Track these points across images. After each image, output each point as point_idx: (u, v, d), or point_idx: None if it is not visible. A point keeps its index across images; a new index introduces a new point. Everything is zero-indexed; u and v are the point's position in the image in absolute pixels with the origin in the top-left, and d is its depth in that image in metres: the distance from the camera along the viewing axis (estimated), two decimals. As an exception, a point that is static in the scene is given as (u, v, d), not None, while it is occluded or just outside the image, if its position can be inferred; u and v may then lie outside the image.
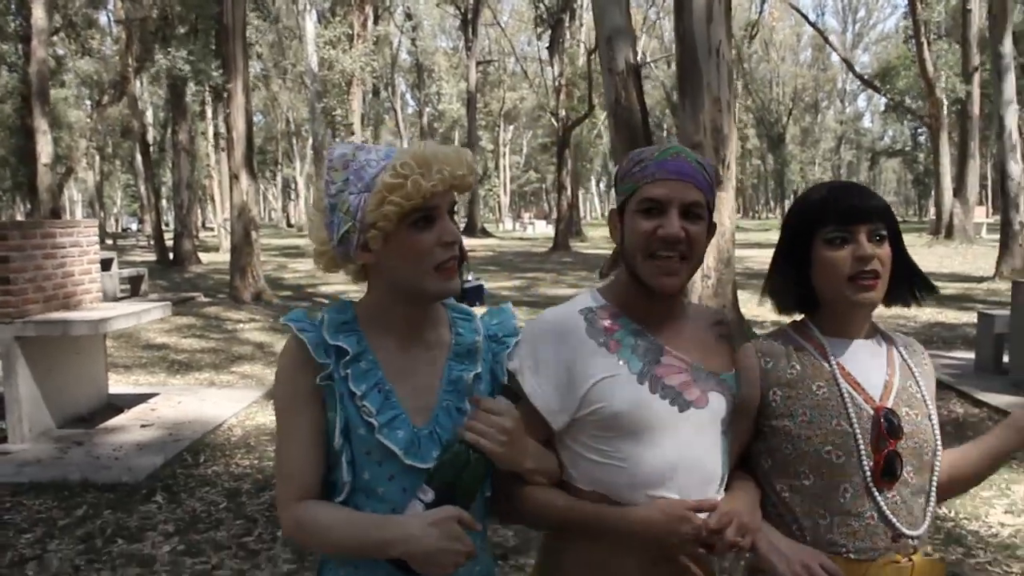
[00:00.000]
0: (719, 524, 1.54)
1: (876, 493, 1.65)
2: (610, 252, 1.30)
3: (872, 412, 1.67)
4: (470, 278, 12.28)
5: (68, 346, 6.72)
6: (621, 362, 1.62)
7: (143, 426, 6.53)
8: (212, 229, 47.81)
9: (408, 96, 72.48)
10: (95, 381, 7.19)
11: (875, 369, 1.74)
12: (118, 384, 8.13)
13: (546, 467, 1.61)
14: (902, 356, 1.78)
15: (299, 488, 1.47)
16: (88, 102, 45.37)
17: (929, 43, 32.01)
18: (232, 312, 14.04)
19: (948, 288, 15.52)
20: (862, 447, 1.65)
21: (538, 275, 21.61)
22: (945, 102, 34.00)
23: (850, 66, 36.40)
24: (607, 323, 1.66)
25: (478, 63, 47.76)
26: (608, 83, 9.83)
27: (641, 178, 1.62)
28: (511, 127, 75.24)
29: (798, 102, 77.17)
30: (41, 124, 19.71)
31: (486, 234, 46.53)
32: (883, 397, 1.70)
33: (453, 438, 1.50)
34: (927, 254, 25.77)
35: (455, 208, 1.53)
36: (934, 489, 1.72)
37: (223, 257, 30.53)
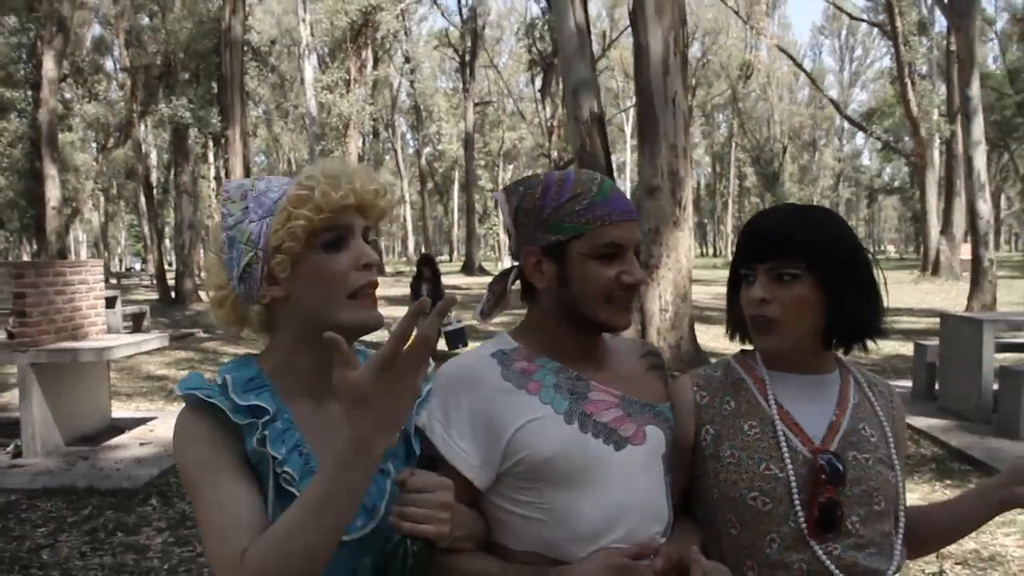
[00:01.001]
0: (664, 567, 1.40)
1: (814, 545, 1.48)
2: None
3: (810, 455, 1.51)
4: (452, 320, 11.87)
5: (75, 373, 7.46)
6: (545, 403, 1.47)
7: (142, 444, 7.27)
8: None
9: (408, 136, 73.82)
10: (99, 405, 7.94)
11: (820, 408, 1.58)
12: (120, 410, 8.86)
13: (475, 532, 1.45)
14: (866, 395, 1.63)
15: (241, 544, 1.18)
16: (94, 145, 46.36)
17: (914, 83, 33.01)
18: (229, 347, 14.79)
19: (920, 323, 16.19)
20: (795, 494, 1.49)
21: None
22: (937, 140, 34.99)
23: (837, 107, 37.42)
24: (523, 364, 1.52)
25: (476, 104, 48.91)
26: (574, 131, 10.66)
27: (592, 219, 1.47)
28: (511, 166, 76.35)
29: (796, 140, 78.31)
30: (50, 169, 20.61)
31: (484, 272, 47.30)
32: (826, 439, 1.54)
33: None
34: (912, 290, 26.48)
35: (370, 234, 1.38)
36: (898, 538, 1.56)
37: (225, 295, 31.35)
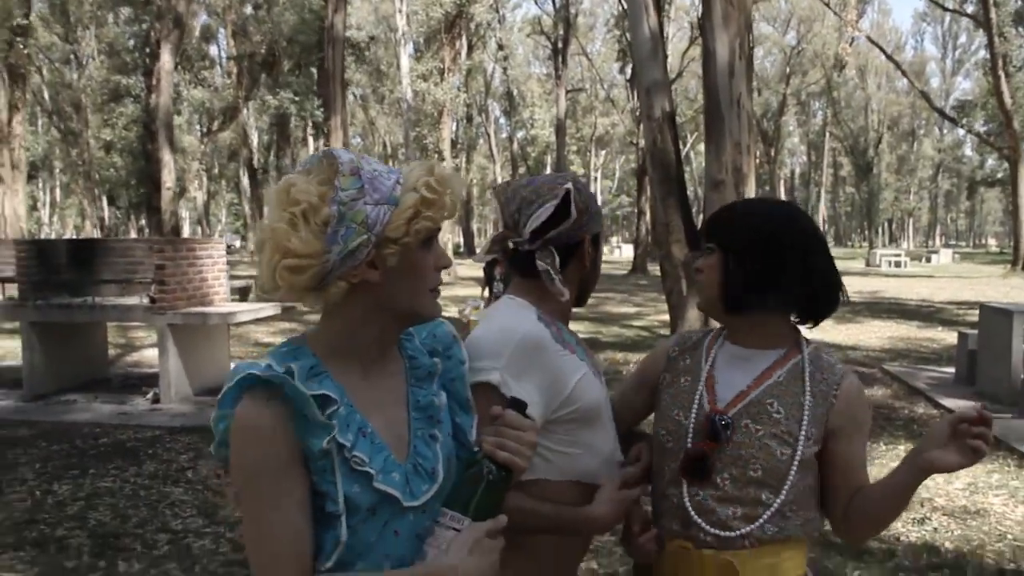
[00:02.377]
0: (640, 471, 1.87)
1: (683, 484, 1.75)
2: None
3: (708, 412, 1.76)
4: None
5: (202, 334, 8.73)
6: (581, 360, 1.82)
7: (258, 396, 8.50)
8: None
9: (501, 121, 75.01)
10: (220, 362, 9.20)
11: (743, 378, 1.78)
12: (236, 369, 10.15)
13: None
14: (802, 378, 1.77)
15: (299, 568, 1.28)
16: (198, 128, 48.53)
17: (1008, 75, 32.62)
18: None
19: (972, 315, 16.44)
20: (688, 440, 1.75)
21: (609, 295, 23.18)
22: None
23: (927, 98, 37.11)
24: (555, 329, 1.82)
25: (568, 91, 49.68)
26: (647, 128, 11.54)
27: (599, 217, 1.89)
28: (603, 152, 76.88)
29: (894, 129, 76.80)
30: (165, 154, 22.30)
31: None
32: (729, 405, 1.76)
33: (460, 463, 1.47)
34: (1000, 284, 26.24)
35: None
36: (771, 509, 1.71)
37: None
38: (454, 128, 33.60)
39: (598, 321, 16.53)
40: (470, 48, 33.61)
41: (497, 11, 38.52)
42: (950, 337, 13.11)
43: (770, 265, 1.74)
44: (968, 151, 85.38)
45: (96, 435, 7.08)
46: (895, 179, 78.85)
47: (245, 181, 52.77)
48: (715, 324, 1.96)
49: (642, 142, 35.88)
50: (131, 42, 36.53)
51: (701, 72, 11.33)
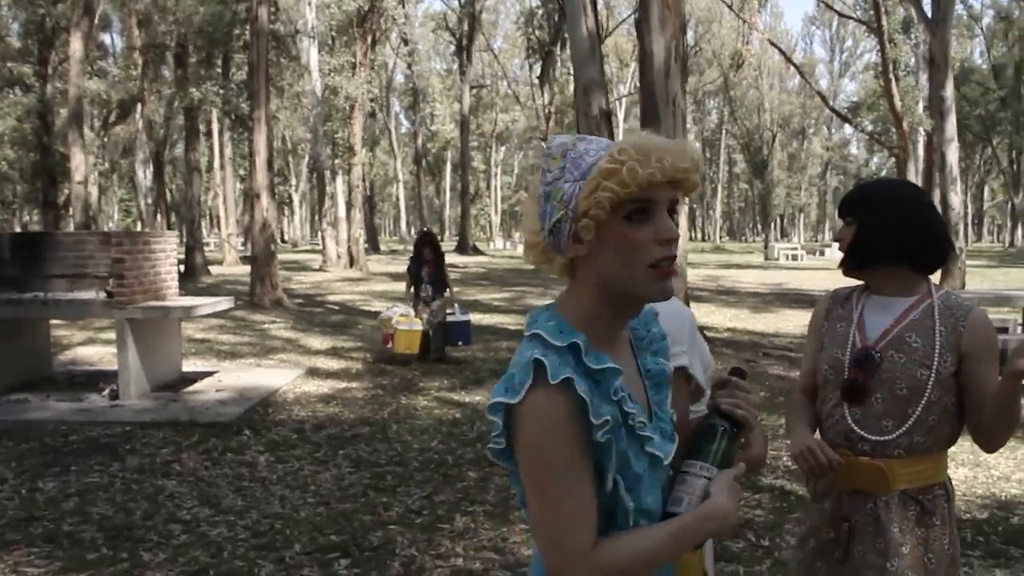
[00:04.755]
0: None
1: (844, 406, 2.25)
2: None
3: (860, 347, 2.25)
4: (456, 311, 10.98)
5: (157, 329, 8.65)
6: None
7: (217, 390, 8.50)
8: (208, 244, 49.34)
9: (402, 117, 74.69)
10: (173, 358, 9.14)
11: (885, 319, 2.26)
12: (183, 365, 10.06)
13: None
14: (933, 315, 2.22)
15: (590, 541, 1.35)
16: (94, 121, 46.85)
17: (897, 79, 34.19)
18: (256, 316, 15.96)
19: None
20: (845, 371, 2.25)
21: (526, 288, 23.52)
22: (922, 133, 36.26)
23: (824, 99, 38.61)
24: None
25: (472, 87, 49.95)
26: (584, 125, 11.84)
27: None
28: (503, 148, 77.35)
29: (785, 128, 79.37)
30: (75, 145, 21.60)
31: (477, 251, 48.36)
32: (878, 340, 2.24)
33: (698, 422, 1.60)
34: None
35: (677, 207, 1.45)
36: (912, 419, 2.18)
37: (229, 270, 32.40)
38: (363, 123, 33.38)
39: (523, 313, 16.81)
40: (374, 43, 33.41)
41: (403, 6, 38.39)
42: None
43: (890, 228, 2.22)
44: (855, 149, 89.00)
45: (64, 433, 6.99)
46: (786, 176, 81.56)
47: (141, 176, 51.36)
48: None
49: (553, 139, 36.45)
50: (15, 26, 35.17)
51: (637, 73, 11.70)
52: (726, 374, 1.64)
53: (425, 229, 11.59)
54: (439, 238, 11.43)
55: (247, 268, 21.02)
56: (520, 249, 59.99)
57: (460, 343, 10.78)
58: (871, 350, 2.22)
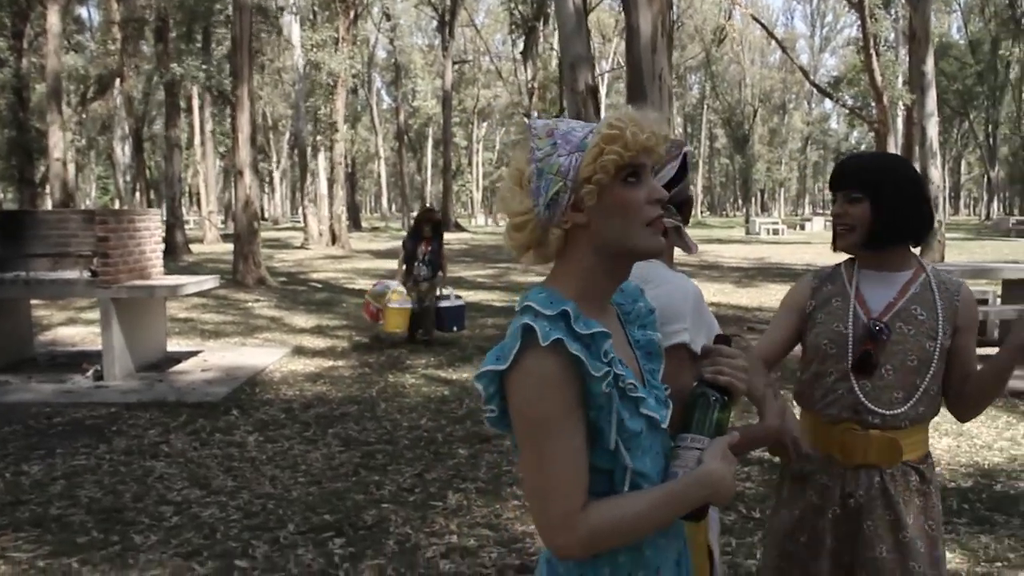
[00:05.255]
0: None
1: (852, 379, 2.21)
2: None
3: (866, 321, 2.23)
4: (449, 293, 10.58)
5: (141, 309, 8.56)
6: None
7: (203, 370, 8.43)
8: (188, 222, 49.02)
9: (384, 93, 74.17)
10: (158, 338, 9.06)
11: (886, 293, 2.26)
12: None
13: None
14: (931, 288, 2.25)
15: (580, 501, 1.39)
16: (71, 97, 46.27)
17: (878, 54, 34.20)
18: (240, 294, 15.87)
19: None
20: (849, 344, 2.23)
21: (510, 265, 23.47)
22: (901, 107, 36.35)
23: (806, 74, 38.60)
24: None
25: (454, 62, 49.57)
26: (571, 101, 11.79)
27: None
28: (484, 124, 77.06)
29: (766, 103, 79.45)
30: (54, 122, 21.31)
31: (460, 229, 48.22)
32: (882, 313, 2.23)
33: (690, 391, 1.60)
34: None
35: (652, 169, 1.53)
36: (920, 391, 2.20)
37: (210, 248, 32.20)
38: (345, 99, 33.13)
39: (509, 290, 16.81)
40: (356, 18, 33.10)
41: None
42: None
43: (908, 208, 2.22)
44: (834, 124, 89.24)
45: (48, 415, 6.91)
46: (767, 151, 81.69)
47: (120, 153, 50.85)
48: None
49: (535, 113, 36.38)
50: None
51: (624, 48, 11.64)
52: (714, 342, 1.66)
53: (428, 205, 11.25)
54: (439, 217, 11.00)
55: (228, 246, 20.88)
56: (501, 225, 59.68)
57: (455, 328, 10.30)
58: (878, 322, 2.21)
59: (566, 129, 1.49)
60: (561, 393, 1.39)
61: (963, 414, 2.35)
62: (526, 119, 37.44)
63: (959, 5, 57.36)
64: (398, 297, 9.72)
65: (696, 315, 1.97)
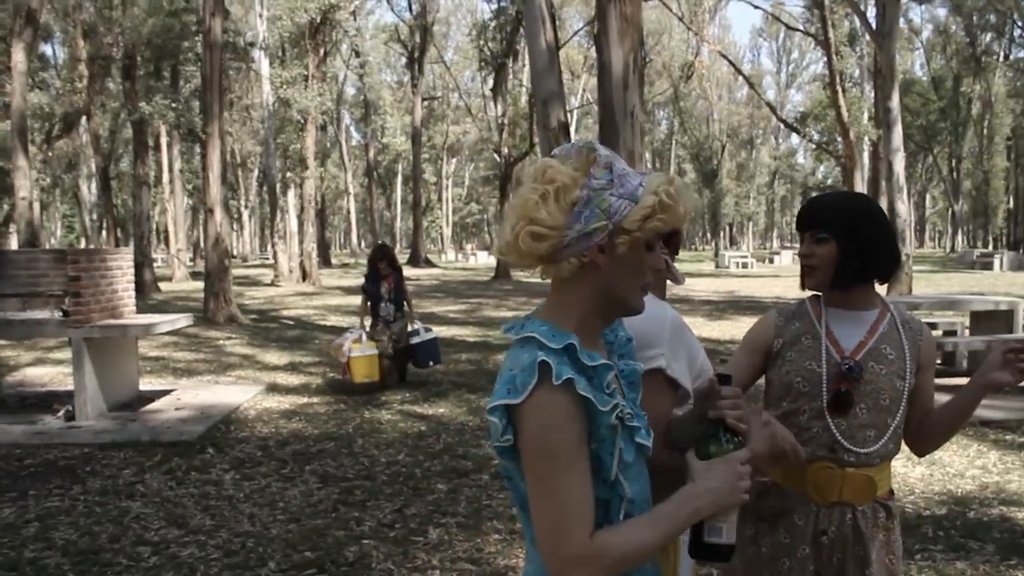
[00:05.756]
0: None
1: (828, 418, 2.19)
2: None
3: (838, 360, 2.22)
4: (420, 329, 9.94)
5: (113, 347, 8.48)
6: (695, 340, 2.11)
7: (177, 409, 8.35)
8: (156, 260, 48.55)
9: (353, 130, 74.29)
10: (130, 377, 8.97)
11: (856, 332, 2.25)
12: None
13: None
14: (897, 328, 2.27)
15: (589, 529, 1.42)
16: (37, 135, 45.83)
17: (844, 90, 34.86)
18: (212, 332, 15.75)
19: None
20: (824, 382, 2.21)
21: (482, 300, 23.52)
22: (866, 142, 37.01)
23: (773, 110, 39.21)
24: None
25: (423, 99, 49.83)
26: (543, 138, 11.89)
27: None
28: (454, 160, 77.33)
29: (734, 138, 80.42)
30: (20, 161, 21.12)
31: (430, 264, 48.25)
32: (854, 352, 2.23)
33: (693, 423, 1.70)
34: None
35: None
36: (892, 428, 2.22)
37: (179, 286, 31.98)
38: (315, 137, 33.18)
39: (482, 325, 16.81)
40: (325, 55, 33.24)
41: (355, 18, 38.26)
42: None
43: (874, 248, 2.21)
44: (801, 159, 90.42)
45: (19, 456, 6.81)
46: (735, 185, 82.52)
47: (85, 191, 50.37)
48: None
49: (505, 150, 36.58)
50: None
51: (596, 84, 11.77)
52: (711, 380, 1.67)
53: (379, 243, 10.65)
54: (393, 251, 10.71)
55: (198, 284, 20.73)
56: (473, 260, 60.32)
57: (432, 363, 9.86)
58: (851, 360, 2.22)
59: (622, 171, 1.51)
60: (573, 427, 1.42)
61: (922, 448, 2.39)
62: (496, 156, 37.78)
63: (921, 43, 58.79)
64: (358, 345, 9.25)
65: (674, 341, 1.98)
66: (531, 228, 1.47)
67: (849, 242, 2.20)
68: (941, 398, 2.33)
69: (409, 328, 9.89)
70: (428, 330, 9.96)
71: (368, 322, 9.76)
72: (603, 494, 1.48)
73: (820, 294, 2.35)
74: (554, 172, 1.49)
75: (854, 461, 2.21)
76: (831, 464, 2.22)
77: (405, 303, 9.95)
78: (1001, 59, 54.66)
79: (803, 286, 2.36)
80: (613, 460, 1.47)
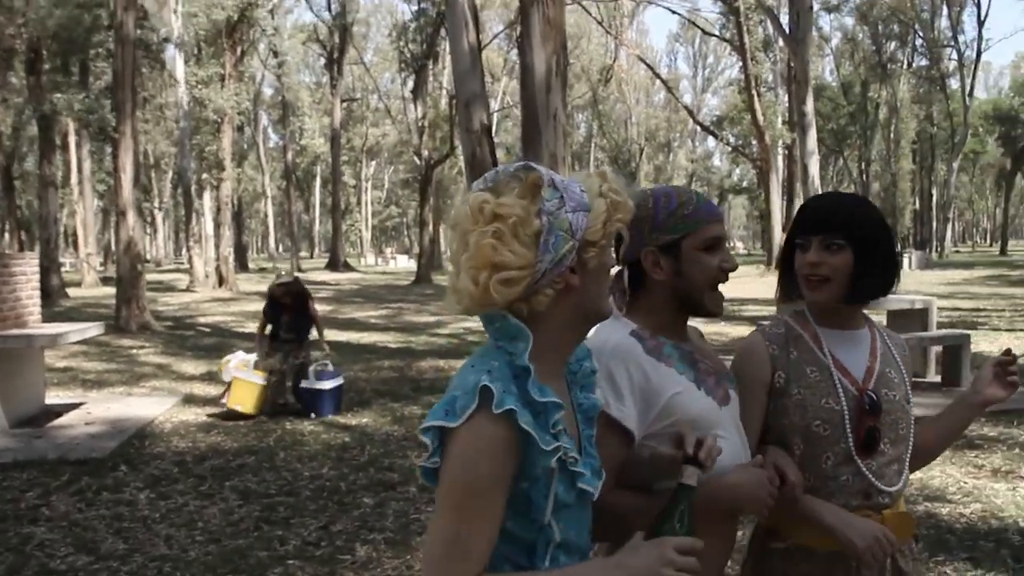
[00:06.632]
0: (794, 477, 1.85)
1: (859, 461, 1.91)
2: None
3: (856, 393, 1.94)
4: (325, 364, 8.79)
5: (16, 359, 8.05)
6: (681, 376, 1.81)
7: (87, 424, 7.96)
8: (64, 265, 46.87)
9: (271, 131, 73.07)
10: (35, 390, 8.54)
11: (860, 356, 1.99)
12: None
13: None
14: (886, 345, 2.05)
15: (474, 570, 1.34)
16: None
17: (759, 94, 35.61)
18: (124, 340, 15.20)
19: (764, 311, 17.90)
20: (847, 422, 1.91)
21: (403, 305, 23.29)
22: (780, 146, 37.82)
23: (691, 113, 39.84)
24: (653, 342, 1.83)
25: (342, 100, 49.26)
26: (465, 140, 11.76)
27: (699, 219, 1.83)
28: (373, 162, 76.63)
29: (652, 141, 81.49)
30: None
31: (349, 268, 47.69)
32: (865, 380, 1.96)
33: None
34: (759, 283, 28.52)
35: None
36: (907, 457, 2.00)
37: (89, 292, 30.88)
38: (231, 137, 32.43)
39: (404, 331, 16.61)
40: (242, 55, 32.56)
41: (273, 17, 37.57)
42: (735, 331, 14.17)
43: (887, 256, 1.96)
44: (718, 161, 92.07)
45: (-87, 476, 6.40)
46: (653, 187, 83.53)
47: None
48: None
49: (425, 152, 36.28)
50: None
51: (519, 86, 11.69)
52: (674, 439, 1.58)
53: (280, 279, 8.98)
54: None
55: (108, 290, 20.08)
56: (393, 264, 59.88)
57: (329, 415, 8.43)
58: (872, 392, 1.95)
59: (563, 183, 1.41)
60: (500, 462, 1.34)
61: (911, 469, 2.15)
62: (417, 159, 37.42)
63: (831, 50, 60.32)
64: (244, 368, 8.33)
65: (616, 373, 1.75)
66: (500, 275, 1.35)
67: (869, 251, 1.93)
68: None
69: (315, 364, 8.73)
70: (336, 373, 8.74)
71: (263, 346, 8.76)
72: (529, 535, 1.40)
73: (803, 311, 2.06)
74: (498, 207, 1.36)
75: (888, 503, 1.96)
76: (869, 511, 1.94)
77: (315, 328, 8.97)
78: (905, 67, 56.48)
79: (812, 300, 1.99)
80: (547, 503, 1.39)
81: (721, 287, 1.87)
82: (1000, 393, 1.98)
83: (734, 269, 1.85)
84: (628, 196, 1.45)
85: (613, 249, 1.52)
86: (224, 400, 8.32)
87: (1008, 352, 2.01)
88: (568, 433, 1.41)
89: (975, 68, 47.08)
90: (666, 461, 1.60)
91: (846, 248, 1.91)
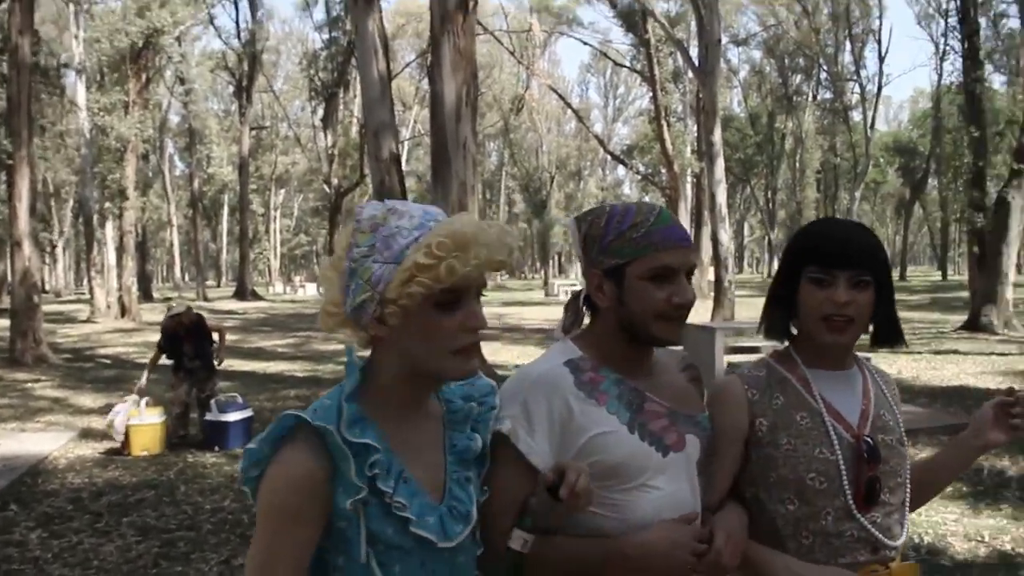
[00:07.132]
0: (722, 542, 1.61)
1: (860, 516, 1.73)
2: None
3: (852, 440, 1.76)
4: (232, 396, 8.78)
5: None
6: (611, 414, 1.64)
7: (-25, 461, 7.62)
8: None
9: (177, 159, 71.62)
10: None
11: (853, 399, 1.81)
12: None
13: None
14: (878, 385, 1.88)
15: None
16: None
17: (669, 124, 36.43)
18: (18, 373, 14.63)
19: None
20: (844, 473, 1.73)
21: (310, 334, 22.93)
22: (689, 174, 38.66)
23: (602, 143, 40.59)
24: (591, 374, 1.67)
25: (251, 128, 48.59)
26: (374, 168, 11.74)
27: (648, 244, 1.63)
28: (282, 190, 75.72)
29: (563, 169, 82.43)
30: None
31: (256, 297, 46.84)
32: (860, 425, 1.78)
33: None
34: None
35: (482, 290, 1.43)
36: (907, 504, 1.83)
37: (-17, 323, 29.75)
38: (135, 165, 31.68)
39: (311, 360, 16.41)
40: (148, 81, 31.92)
41: (180, 44, 36.96)
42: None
43: (893, 290, 1.82)
44: (627, 190, 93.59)
45: None
46: (564, 215, 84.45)
47: None
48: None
49: (335, 180, 36.10)
50: None
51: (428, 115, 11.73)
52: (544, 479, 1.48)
53: (171, 311, 8.96)
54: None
55: (2, 322, 19.35)
56: (302, 293, 58.93)
57: (233, 446, 8.09)
58: (869, 438, 1.77)
59: (393, 229, 1.35)
60: (306, 495, 1.33)
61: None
62: (326, 187, 37.17)
63: (739, 81, 62.11)
64: (136, 413, 7.99)
65: (534, 403, 1.62)
66: (323, 306, 1.43)
67: (886, 285, 1.77)
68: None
69: (220, 395, 8.58)
70: (245, 406, 8.49)
71: (145, 380, 8.53)
72: (359, 571, 1.38)
73: (788, 350, 1.87)
74: (338, 240, 1.41)
75: (893, 555, 1.80)
76: (877, 565, 1.77)
77: (214, 351, 8.83)
78: (810, 99, 58.42)
79: (835, 343, 1.77)
80: (360, 541, 1.36)
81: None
82: (1002, 437, 1.82)
83: (686, 304, 1.65)
84: (464, 259, 1.31)
85: (473, 306, 1.39)
86: (126, 453, 7.97)
87: (1011, 391, 1.82)
88: (404, 476, 1.39)
89: (876, 102, 48.95)
90: (536, 498, 1.49)
91: (871, 285, 1.73)
